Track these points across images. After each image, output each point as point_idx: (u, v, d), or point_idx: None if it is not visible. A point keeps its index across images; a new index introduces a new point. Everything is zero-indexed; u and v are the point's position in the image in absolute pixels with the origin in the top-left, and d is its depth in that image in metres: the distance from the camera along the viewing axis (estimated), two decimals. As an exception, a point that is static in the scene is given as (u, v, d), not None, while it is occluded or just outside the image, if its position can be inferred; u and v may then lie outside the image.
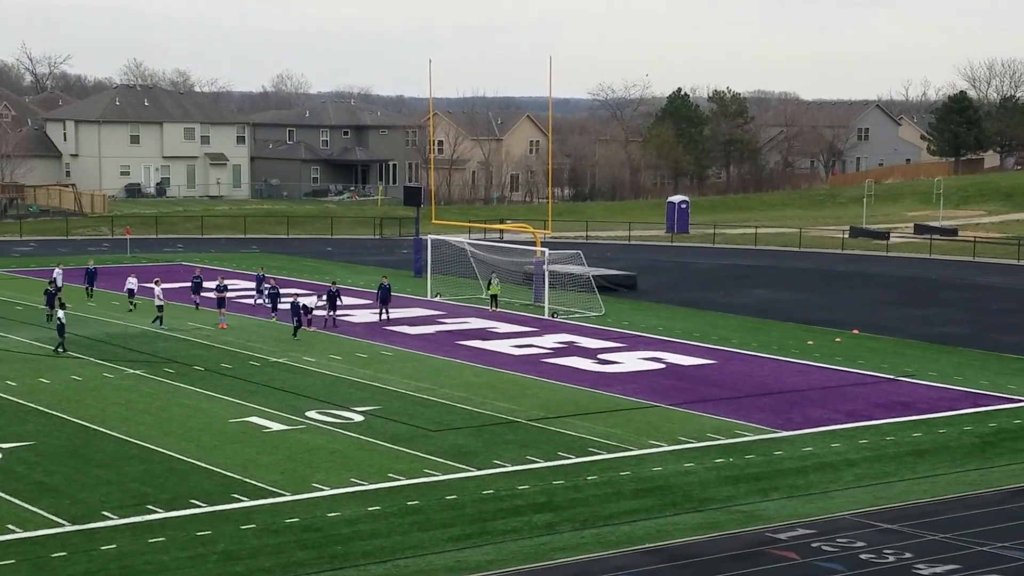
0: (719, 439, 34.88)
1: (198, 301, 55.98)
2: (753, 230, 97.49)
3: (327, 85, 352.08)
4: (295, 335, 48.86)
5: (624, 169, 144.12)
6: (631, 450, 33.52)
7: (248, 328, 51.72)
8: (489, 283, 58.80)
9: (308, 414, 36.67)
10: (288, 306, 50.54)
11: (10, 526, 26.31)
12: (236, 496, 28.72)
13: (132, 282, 56.77)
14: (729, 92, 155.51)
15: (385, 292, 53.86)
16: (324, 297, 52.55)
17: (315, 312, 51.49)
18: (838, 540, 26.29)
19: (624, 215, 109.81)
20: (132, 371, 42.45)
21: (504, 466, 31.69)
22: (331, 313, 52.17)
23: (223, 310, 52.45)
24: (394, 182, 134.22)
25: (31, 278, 66.19)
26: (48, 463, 31.15)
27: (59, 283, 55.43)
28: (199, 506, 27.95)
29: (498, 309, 57.01)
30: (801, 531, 26.89)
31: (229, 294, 60.74)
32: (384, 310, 53.96)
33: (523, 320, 55.26)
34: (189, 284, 57.67)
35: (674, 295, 64.88)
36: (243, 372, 42.66)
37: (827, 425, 36.79)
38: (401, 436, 34.40)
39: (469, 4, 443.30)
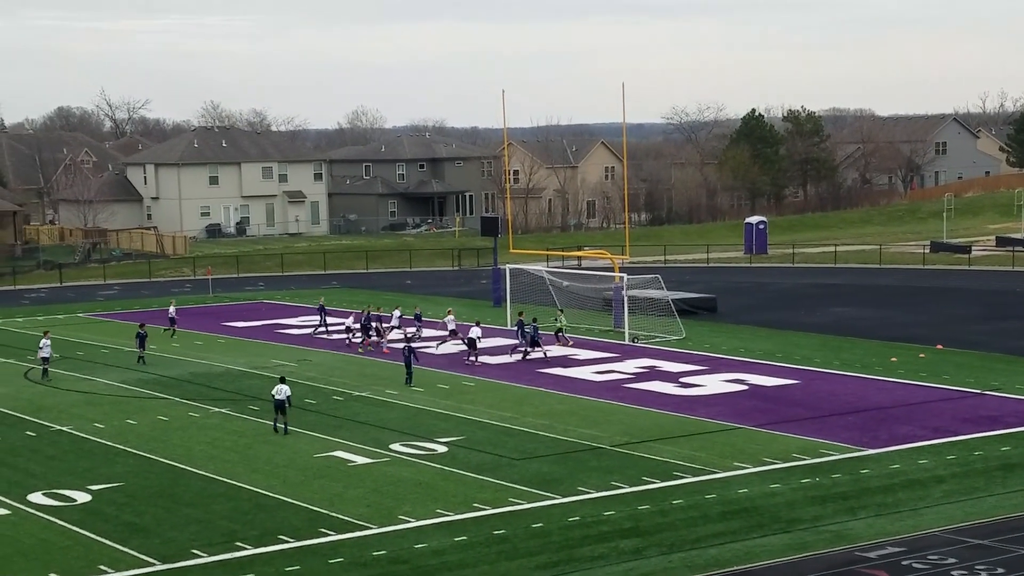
0: (804, 459, 34.58)
1: (362, 341, 55.52)
2: (832, 248, 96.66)
3: (402, 119, 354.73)
4: (408, 382, 46.53)
5: (700, 192, 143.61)
6: (716, 473, 33.34)
7: (331, 363, 52.16)
8: (556, 317, 57.46)
9: (392, 446, 36.88)
10: (400, 345, 50.09)
11: (102, 567, 26.72)
12: (323, 530, 28.95)
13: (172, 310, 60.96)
14: (804, 111, 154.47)
15: (532, 330, 51.86)
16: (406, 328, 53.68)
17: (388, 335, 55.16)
18: (929, 557, 25.95)
19: (702, 238, 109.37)
20: (217, 410, 42.98)
21: (589, 492, 31.64)
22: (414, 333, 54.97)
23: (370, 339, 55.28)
24: (471, 213, 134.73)
25: (116, 321, 67.30)
26: (137, 503, 31.61)
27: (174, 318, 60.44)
28: (287, 541, 28.20)
29: (568, 343, 55.20)
30: (891, 549, 26.58)
31: (312, 330, 61.66)
32: (526, 348, 52.04)
33: (604, 346, 55.18)
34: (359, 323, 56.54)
35: (754, 316, 64.48)
36: (327, 407, 43.02)
37: (914, 442, 36.34)
38: (485, 466, 34.49)
39: (539, 35, 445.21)
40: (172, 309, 61.27)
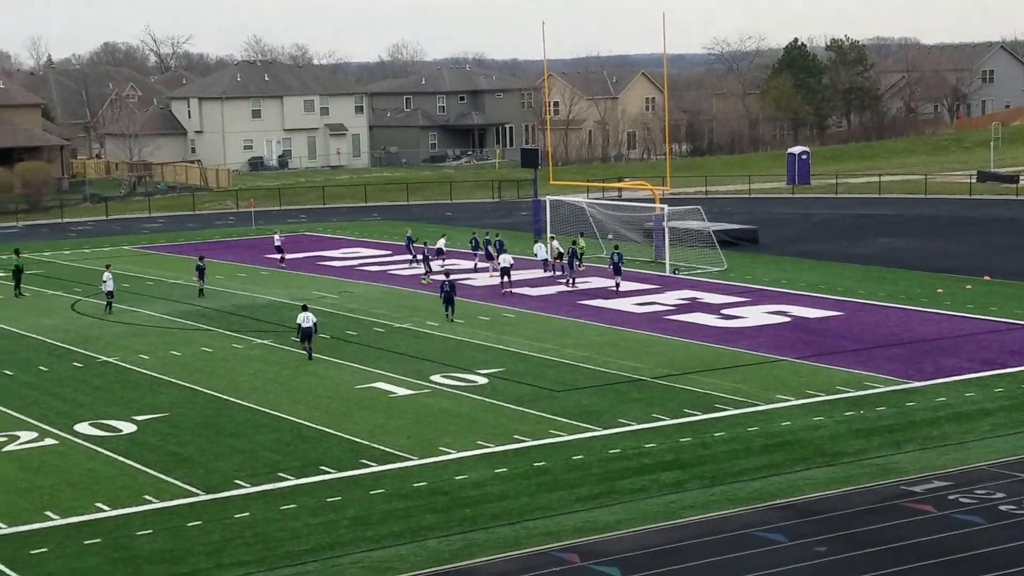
0: (848, 392, 34.31)
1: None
2: (877, 178, 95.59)
3: (442, 52, 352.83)
4: (449, 319, 45.68)
5: (742, 122, 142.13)
6: (758, 405, 33.14)
7: (372, 295, 52.19)
8: (574, 240, 56.92)
9: (433, 378, 36.89)
10: (440, 280, 48.94)
11: (147, 496, 26.92)
12: (365, 462, 29.02)
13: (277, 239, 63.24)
14: (847, 40, 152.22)
15: (617, 258, 51.78)
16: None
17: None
18: (976, 492, 25.69)
19: (743, 168, 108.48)
20: (260, 341, 43.12)
21: (630, 425, 31.55)
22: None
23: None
24: (511, 145, 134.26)
25: (161, 253, 67.60)
26: (181, 434, 31.80)
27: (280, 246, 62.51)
28: (329, 472, 28.30)
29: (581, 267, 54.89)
30: (937, 483, 26.33)
31: (354, 263, 61.78)
32: (572, 276, 53.20)
33: (645, 278, 54.89)
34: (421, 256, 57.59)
35: (797, 247, 63.96)
36: (368, 339, 43.07)
37: (961, 374, 35.97)
38: (526, 397, 34.44)
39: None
40: (278, 238, 63.11)
